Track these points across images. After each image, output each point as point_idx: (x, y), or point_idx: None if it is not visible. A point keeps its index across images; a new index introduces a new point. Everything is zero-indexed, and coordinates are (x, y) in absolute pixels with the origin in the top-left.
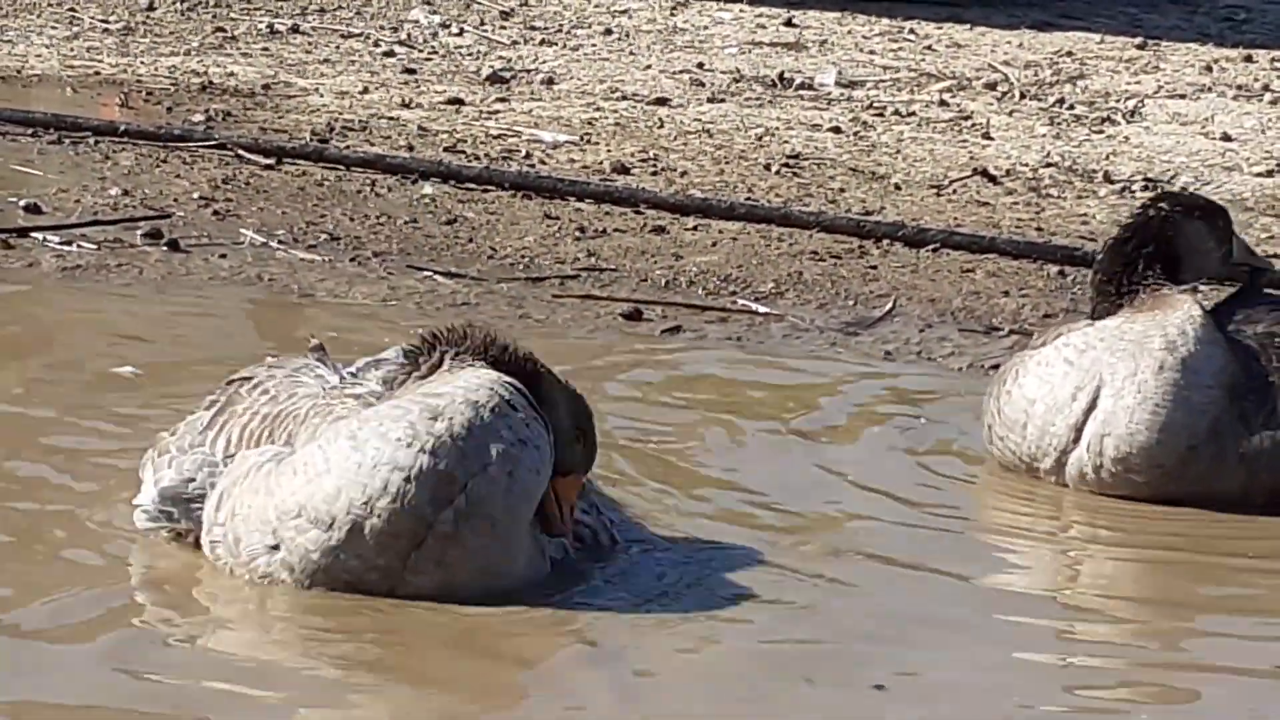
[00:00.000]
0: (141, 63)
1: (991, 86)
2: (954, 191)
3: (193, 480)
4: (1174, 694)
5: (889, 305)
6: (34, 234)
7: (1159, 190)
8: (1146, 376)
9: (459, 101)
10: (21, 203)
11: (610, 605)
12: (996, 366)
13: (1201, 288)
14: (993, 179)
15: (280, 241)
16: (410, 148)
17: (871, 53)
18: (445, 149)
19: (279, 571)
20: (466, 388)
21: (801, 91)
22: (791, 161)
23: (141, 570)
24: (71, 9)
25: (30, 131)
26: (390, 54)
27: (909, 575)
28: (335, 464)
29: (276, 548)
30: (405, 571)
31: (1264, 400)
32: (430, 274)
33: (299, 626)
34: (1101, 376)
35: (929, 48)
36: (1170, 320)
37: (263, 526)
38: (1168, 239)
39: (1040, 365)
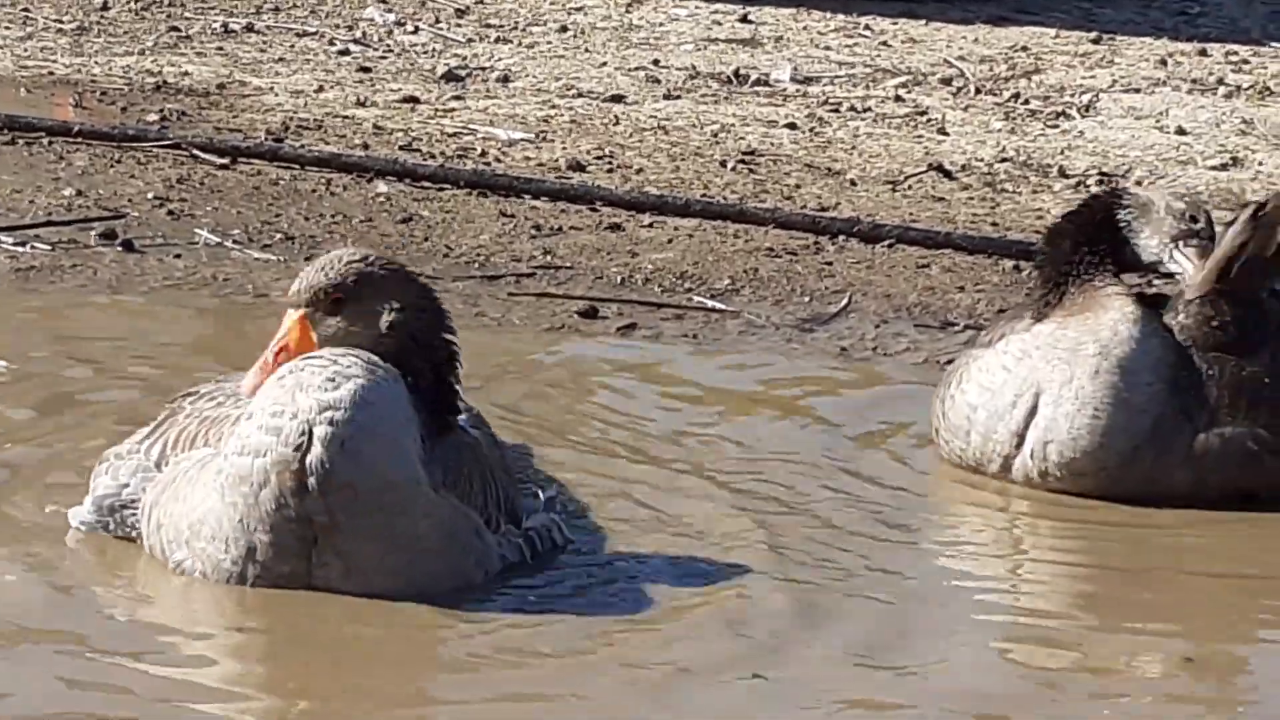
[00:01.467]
0: (96, 63)
1: (947, 82)
2: (909, 187)
3: (126, 486)
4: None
5: (844, 301)
6: None
7: (1113, 184)
8: (1083, 382)
9: (414, 100)
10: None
11: (551, 604)
12: (952, 362)
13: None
14: (948, 174)
15: (235, 241)
16: (365, 146)
17: (827, 48)
18: (401, 147)
19: (204, 576)
20: (295, 374)
21: (757, 88)
22: (747, 158)
23: (81, 567)
24: (25, 9)
25: None
26: (345, 52)
27: (851, 569)
28: (210, 485)
29: (191, 558)
30: (314, 568)
31: (1205, 396)
32: None
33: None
34: (1039, 384)
35: (884, 43)
36: (1102, 322)
37: (177, 537)
38: (1114, 227)
39: (981, 371)
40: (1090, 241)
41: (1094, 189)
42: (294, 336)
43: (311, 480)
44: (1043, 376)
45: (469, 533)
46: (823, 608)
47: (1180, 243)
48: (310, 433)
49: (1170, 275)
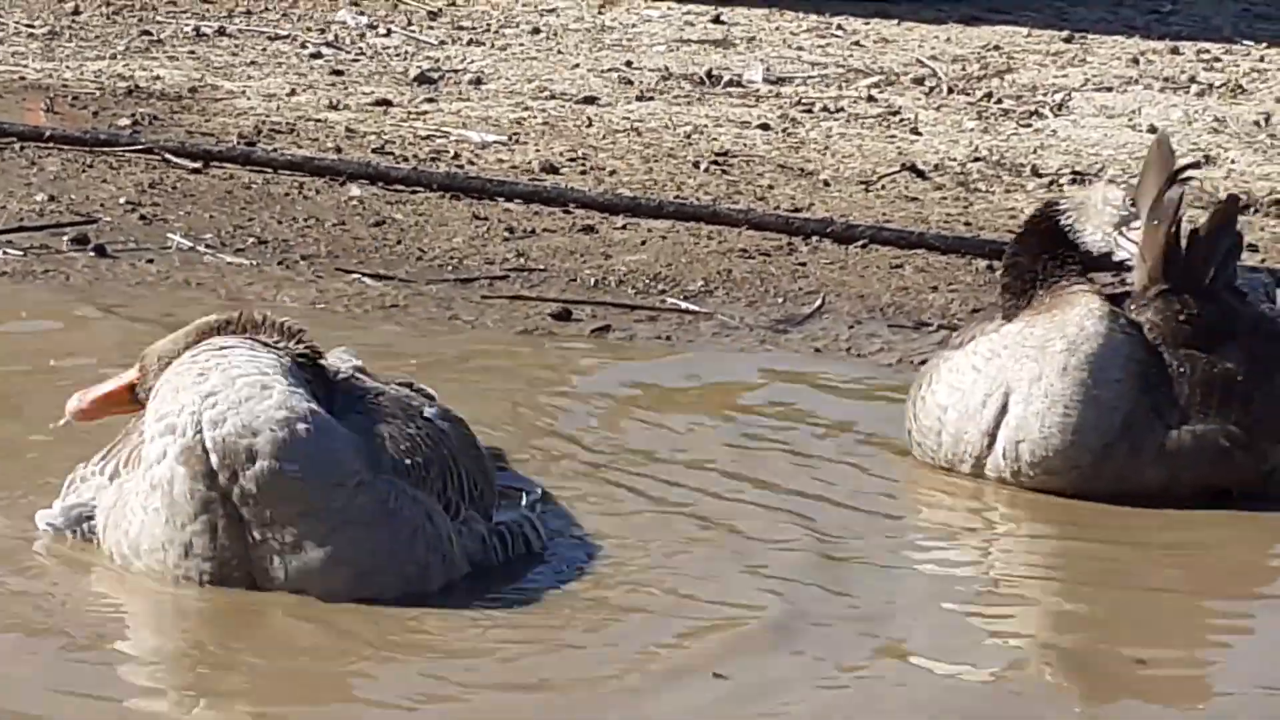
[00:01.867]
0: (67, 67)
1: (919, 81)
2: (882, 187)
3: (89, 501)
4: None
5: (818, 302)
6: None
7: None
8: (1052, 380)
9: (387, 103)
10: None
11: (522, 605)
12: (925, 362)
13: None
14: (921, 174)
15: (208, 245)
16: (338, 149)
17: (799, 49)
18: (373, 150)
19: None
20: (169, 383)
21: (730, 89)
22: (720, 159)
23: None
24: None
25: None
26: (317, 55)
27: (827, 565)
28: (136, 502)
29: (148, 569)
30: (260, 570)
31: (1176, 393)
32: (359, 276)
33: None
34: (1009, 383)
35: (857, 43)
36: (1069, 319)
37: (132, 552)
38: (1062, 233)
39: (951, 372)
40: (1050, 249)
41: (1067, 188)
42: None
43: (214, 458)
44: (1012, 375)
45: (417, 514)
46: (793, 610)
47: (1123, 228)
48: (200, 420)
49: (1125, 266)
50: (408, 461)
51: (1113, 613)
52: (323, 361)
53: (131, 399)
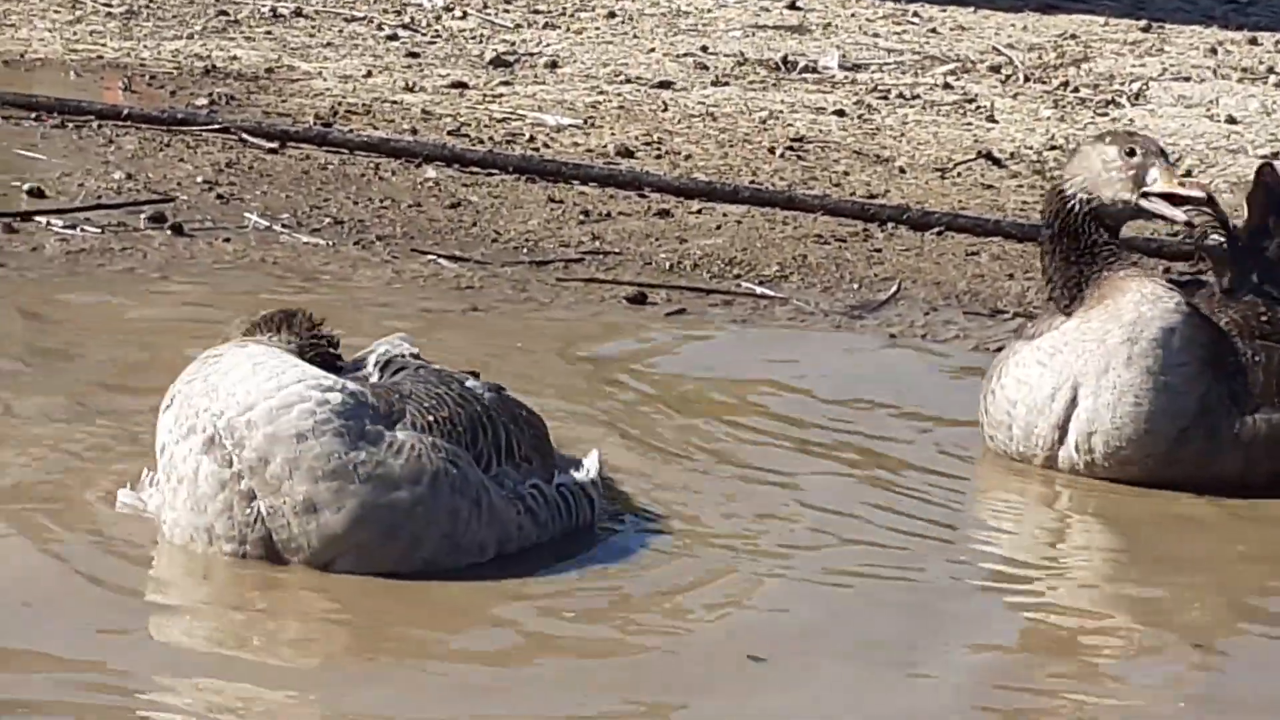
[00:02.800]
0: (145, 46)
1: (996, 69)
2: (958, 174)
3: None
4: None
5: (894, 288)
6: (38, 218)
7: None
8: (1119, 371)
9: (463, 85)
10: (25, 186)
11: (572, 578)
12: (1001, 349)
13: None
14: (997, 162)
15: (284, 225)
16: (414, 131)
17: (875, 35)
18: (449, 132)
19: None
20: (183, 390)
21: (805, 74)
22: (796, 145)
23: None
24: None
25: (34, 115)
26: (394, 37)
27: (899, 553)
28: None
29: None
30: (288, 549)
31: (1252, 381)
32: (434, 258)
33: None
34: (1075, 377)
35: (933, 30)
36: (1124, 306)
37: (182, 536)
38: (1066, 183)
39: (1018, 366)
40: (1078, 244)
41: None
42: None
43: (226, 442)
44: (1078, 370)
45: (441, 461)
46: (854, 595)
47: (1143, 186)
48: (211, 413)
49: (1155, 216)
50: (431, 417)
51: (1176, 598)
52: (335, 350)
53: None
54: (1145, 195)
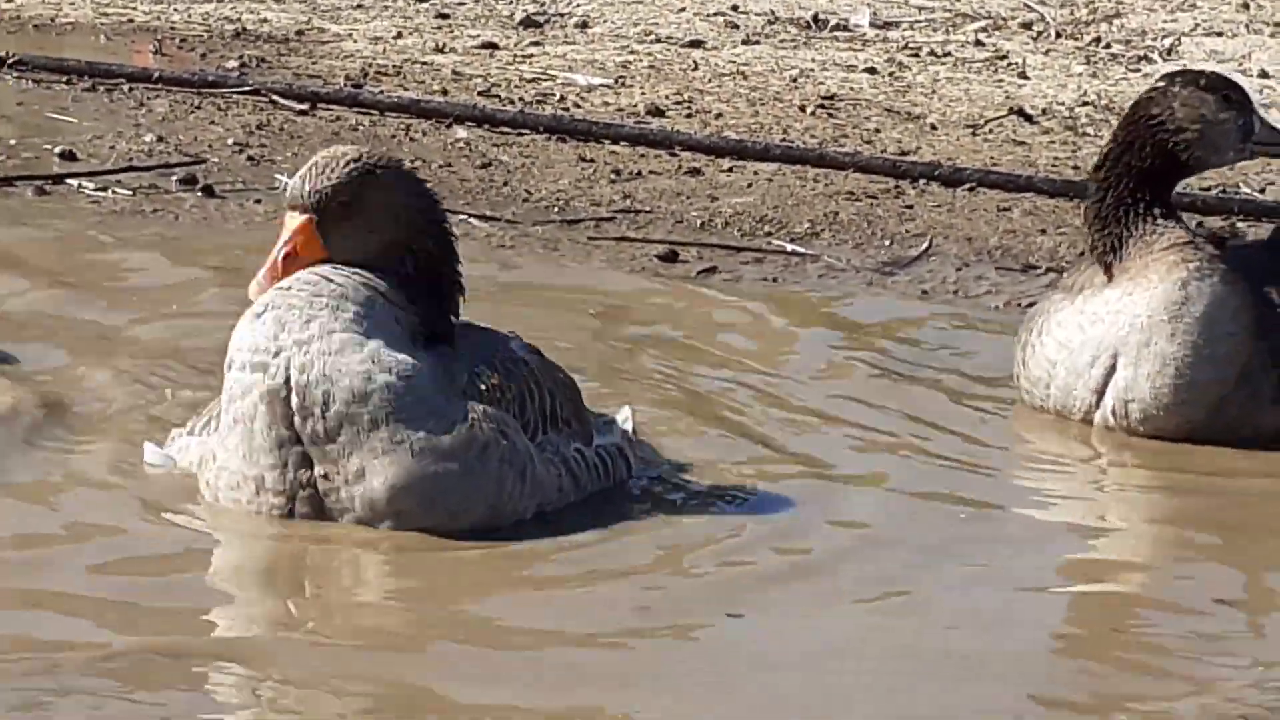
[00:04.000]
0: (175, 9)
1: (1027, 26)
2: (990, 131)
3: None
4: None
5: (925, 245)
6: (69, 180)
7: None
8: (1161, 344)
9: (493, 46)
10: (57, 149)
11: (613, 536)
12: (1034, 304)
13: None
14: (1029, 118)
15: None
16: (444, 92)
17: None
18: (479, 93)
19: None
20: (274, 311)
21: (836, 33)
22: (826, 102)
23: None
24: None
25: (65, 79)
26: None
27: (934, 508)
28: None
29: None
30: (335, 510)
31: None
32: (466, 217)
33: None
34: (1115, 347)
35: None
36: (1170, 280)
37: (220, 490)
38: (1156, 129)
39: (1059, 327)
40: (1139, 184)
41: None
42: (300, 241)
43: (294, 400)
44: (1117, 339)
45: (492, 432)
46: (882, 547)
47: (1250, 128)
48: (289, 365)
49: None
50: (483, 385)
51: (1201, 552)
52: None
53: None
54: (1256, 144)
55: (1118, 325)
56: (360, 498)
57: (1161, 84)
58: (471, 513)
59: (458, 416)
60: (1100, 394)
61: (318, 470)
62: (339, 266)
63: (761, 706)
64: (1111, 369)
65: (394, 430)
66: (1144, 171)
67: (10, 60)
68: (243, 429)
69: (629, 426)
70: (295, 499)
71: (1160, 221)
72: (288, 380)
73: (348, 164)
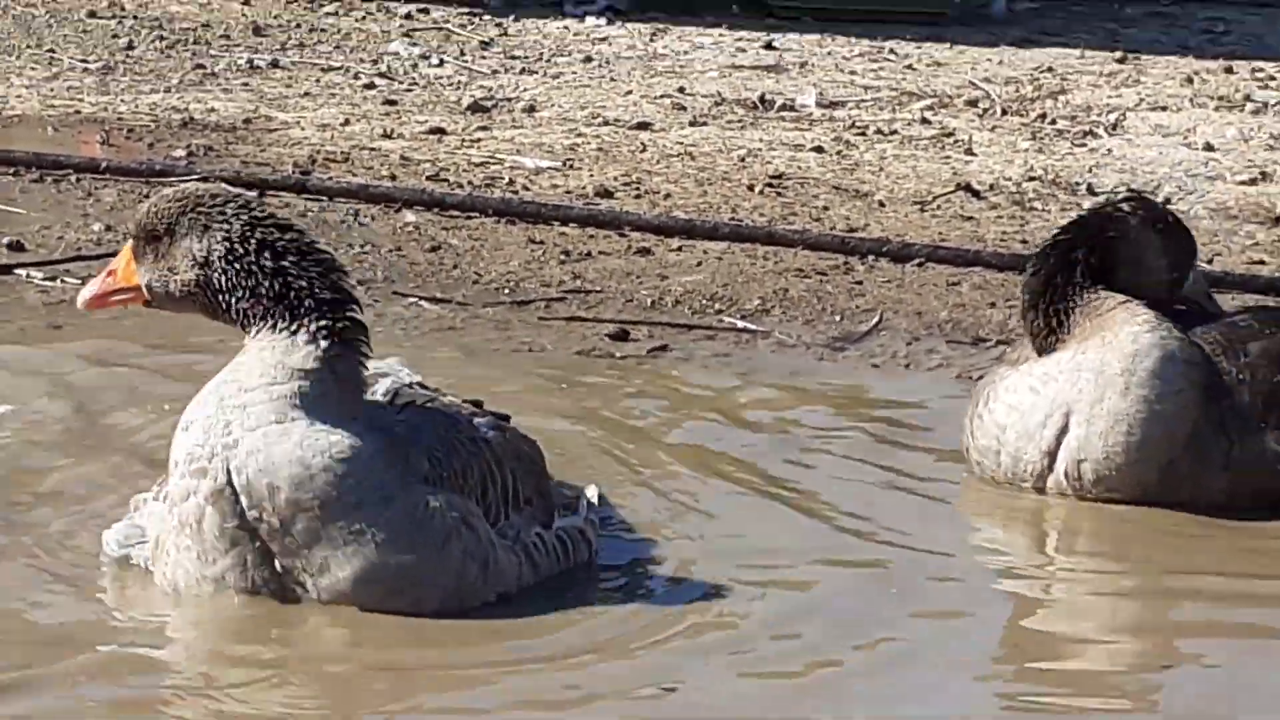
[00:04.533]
0: (122, 101)
1: (973, 103)
2: (938, 207)
3: (140, 530)
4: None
5: (875, 319)
6: (18, 270)
7: (1133, 193)
8: (1114, 400)
9: (441, 131)
10: (4, 240)
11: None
12: (983, 377)
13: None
14: (976, 194)
15: None
16: (393, 177)
17: (852, 73)
18: (428, 177)
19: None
20: (202, 410)
21: (783, 113)
22: (775, 181)
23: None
24: (51, 49)
25: (12, 170)
26: (371, 86)
27: (872, 581)
28: (171, 540)
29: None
30: (287, 582)
31: (1238, 405)
32: (416, 300)
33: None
34: (1069, 405)
35: (909, 67)
36: (1122, 337)
37: (175, 585)
38: (1109, 240)
39: (1009, 392)
40: (1084, 259)
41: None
42: (120, 265)
43: (243, 499)
44: (1071, 397)
45: (455, 522)
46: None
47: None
48: (228, 465)
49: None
50: (443, 470)
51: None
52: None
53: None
54: (1183, 294)
55: (1072, 381)
56: (326, 589)
57: (1125, 208)
58: (433, 600)
59: (416, 503)
60: (1052, 456)
61: (279, 565)
62: (266, 357)
63: None
64: (1063, 429)
65: (349, 516)
66: (1086, 266)
67: None
68: (192, 532)
69: (594, 505)
70: (259, 592)
71: (1104, 292)
72: (230, 481)
73: (166, 202)
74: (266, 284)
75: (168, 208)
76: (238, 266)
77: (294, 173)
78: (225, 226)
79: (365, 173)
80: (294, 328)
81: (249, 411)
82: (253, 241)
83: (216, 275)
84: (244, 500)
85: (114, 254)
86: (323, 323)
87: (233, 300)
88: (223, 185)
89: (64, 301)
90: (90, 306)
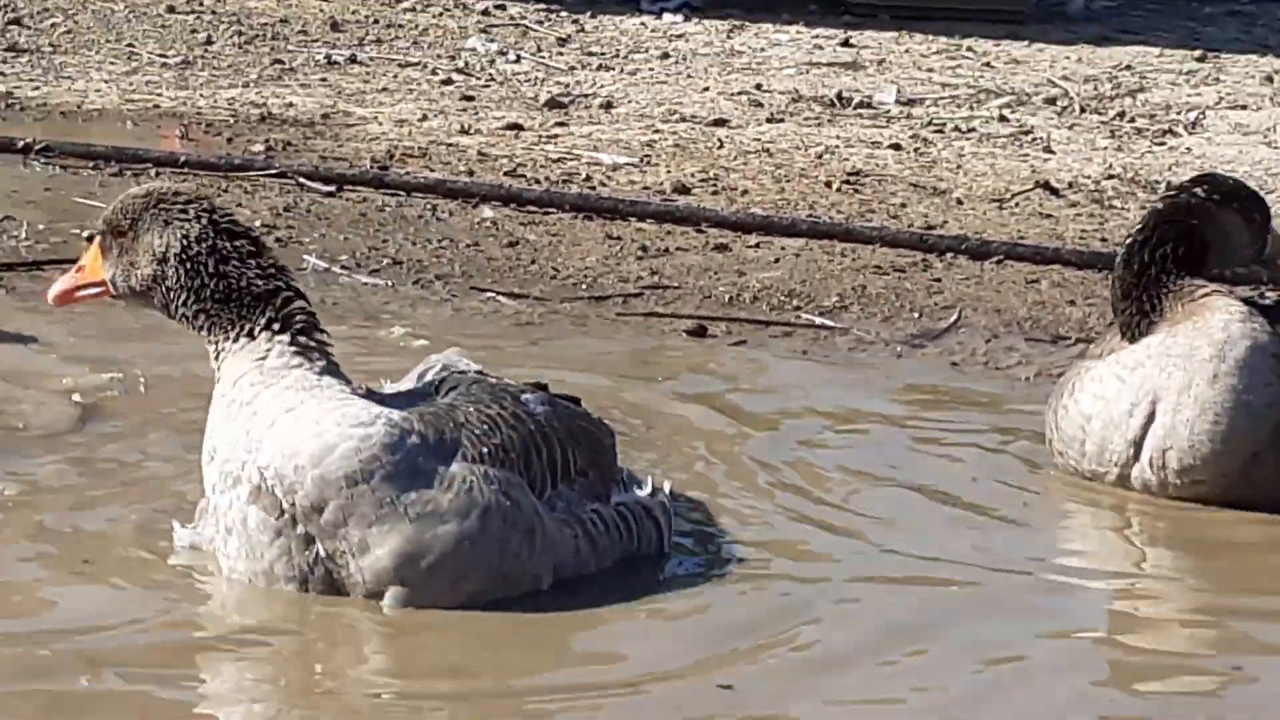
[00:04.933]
0: (200, 95)
1: (1051, 101)
2: (1016, 205)
3: (206, 540)
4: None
5: (954, 317)
6: None
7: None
8: (1202, 388)
9: (518, 127)
10: (85, 234)
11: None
12: (1063, 374)
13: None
14: (1055, 192)
15: (343, 267)
16: (470, 173)
17: (930, 70)
18: (505, 173)
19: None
20: (226, 413)
21: (860, 110)
22: (852, 178)
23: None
24: (130, 44)
25: (92, 165)
26: (448, 82)
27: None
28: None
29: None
30: (347, 585)
31: None
32: (493, 295)
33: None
34: (1156, 392)
35: (987, 64)
36: (1213, 324)
37: (240, 579)
38: (1192, 227)
39: (1094, 381)
40: (1173, 249)
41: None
42: (88, 260)
43: (277, 490)
44: (1159, 384)
45: (493, 494)
46: (926, 616)
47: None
48: (256, 465)
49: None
50: (483, 445)
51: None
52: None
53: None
54: (1264, 262)
55: (1160, 366)
56: (368, 569)
57: (1201, 193)
58: (473, 576)
59: (450, 474)
60: (1138, 445)
61: (322, 549)
62: (241, 368)
63: None
64: (1150, 417)
65: (377, 490)
66: (1175, 256)
67: (38, 147)
68: (238, 534)
69: (664, 488)
70: (307, 581)
71: (1194, 280)
72: (263, 477)
73: (132, 198)
74: (211, 285)
75: (133, 204)
76: (188, 266)
77: (372, 168)
78: (184, 226)
79: (443, 168)
80: (248, 330)
81: (260, 415)
82: (206, 243)
83: (171, 271)
84: (278, 490)
85: None
86: (269, 314)
87: (181, 299)
88: (188, 186)
89: None
90: (59, 302)
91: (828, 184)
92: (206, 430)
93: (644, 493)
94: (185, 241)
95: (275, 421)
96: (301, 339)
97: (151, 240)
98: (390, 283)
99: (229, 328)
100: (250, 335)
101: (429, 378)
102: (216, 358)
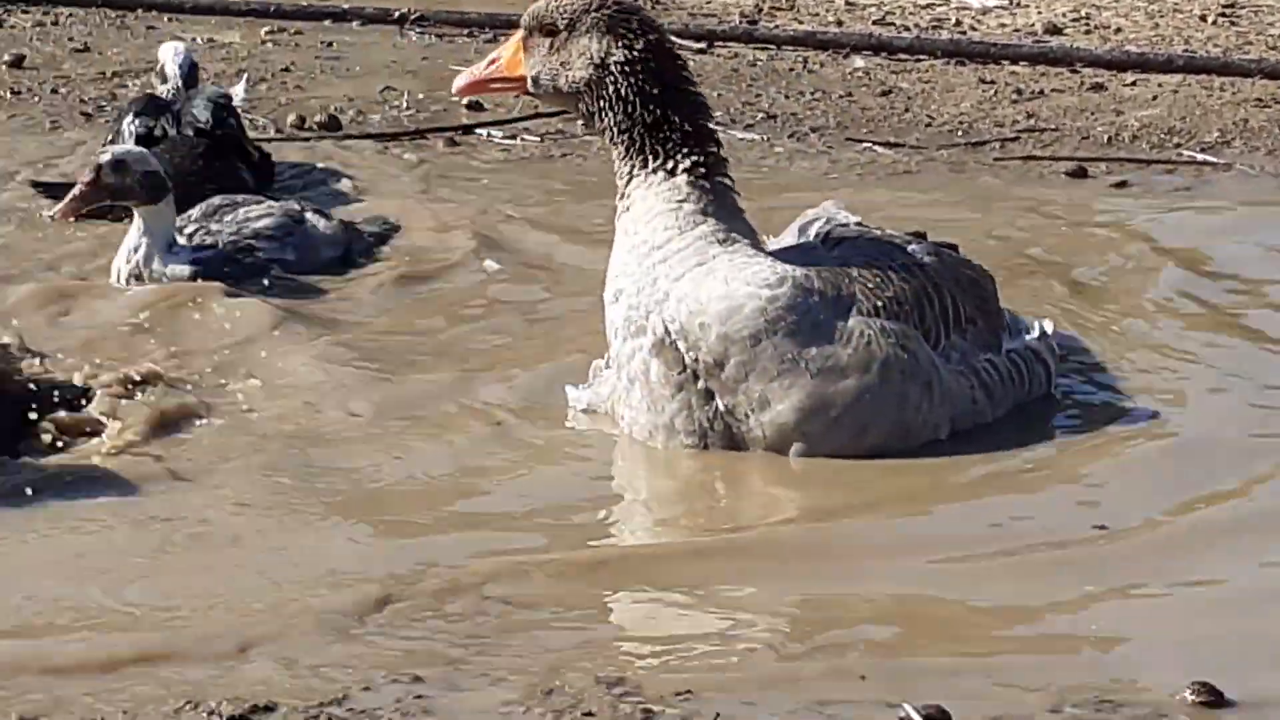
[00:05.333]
0: None
1: None
2: None
3: (601, 399)
4: None
5: None
6: (478, 130)
7: None
8: None
9: None
10: (464, 101)
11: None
12: None
13: None
14: None
15: (717, 123)
16: (839, 23)
17: None
18: (874, 22)
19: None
20: (635, 265)
21: None
22: (1227, 10)
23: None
24: None
25: (467, 32)
26: None
27: None
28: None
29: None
30: (746, 440)
31: None
32: (869, 145)
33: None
34: None
35: None
36: None
37: (634, 430)
38: None
39: None
40: None
41: None
42: (506, 54)
43: (680, 344)
44: None
45: (891, 347)
46: None
47: None
48: (663, 318)
49: None
50: (878, 299)
51: None
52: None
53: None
54: None
55: None
56: (769, 424)
57: None
58: (874, 429)
59: (850, 329)
60: None
61: (721, 403)
62: (657, 206)
63: None
64: None
65: (780, 346)
66: None
67: (413, 17)
68: (640, 385)
69: (1048, 329)
70: (706, 436)
71: None
72: (667, 331)
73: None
74: (646, 107)
75: (571, 4)
76: (629, 81)
77: (741, 22)
78: (630, 37)
79: (811, 20)
80: (669, 166)
81: (670, 263)
82: (651, 63)
83: (611, 80)
84: (681, 345)
85: (566, 112)
86: (695, 158)
87: (614, 111)
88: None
89: (524, 159)
90: (465, 92)
91: (1202, 18)
92: (611, 266)
93: (1032, 336)
94: (630, 53)
95: (684, 275)
96: (721, 186)
97: (590, 44)
98: (765, 137)
99: (652, 157)
100: (671, 172)
101: (812, 231)
102: (627, 182)
